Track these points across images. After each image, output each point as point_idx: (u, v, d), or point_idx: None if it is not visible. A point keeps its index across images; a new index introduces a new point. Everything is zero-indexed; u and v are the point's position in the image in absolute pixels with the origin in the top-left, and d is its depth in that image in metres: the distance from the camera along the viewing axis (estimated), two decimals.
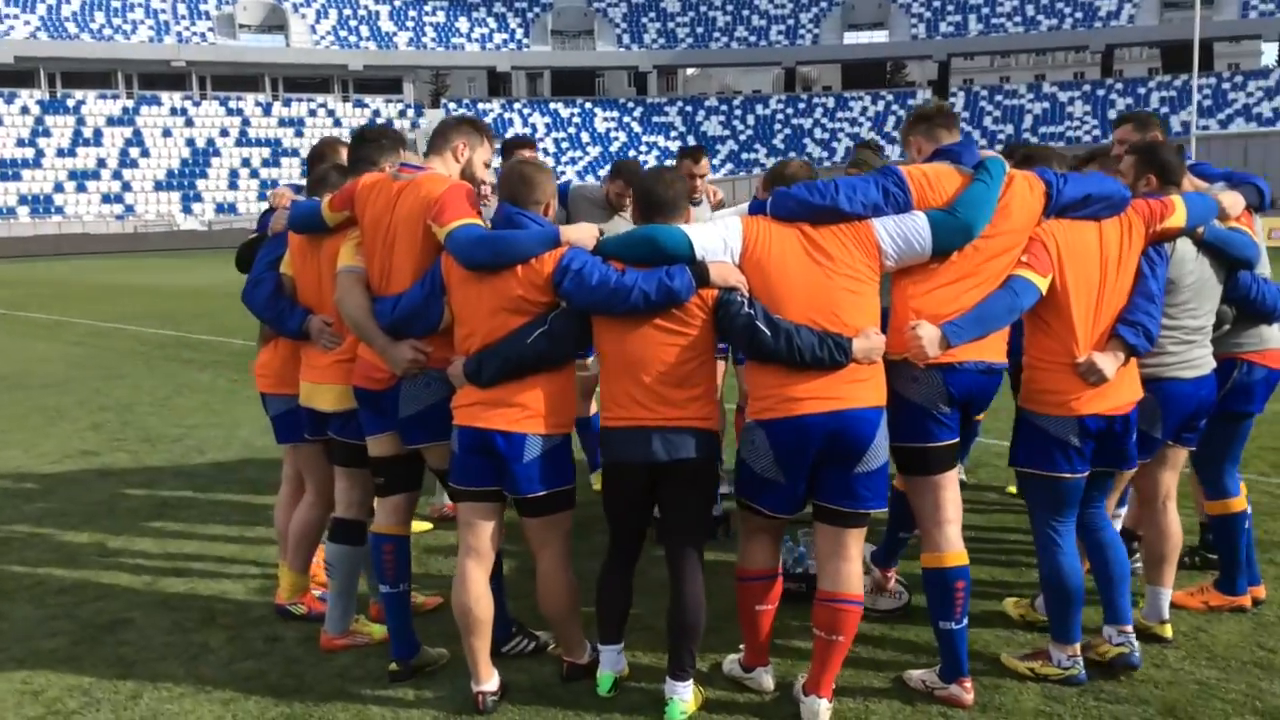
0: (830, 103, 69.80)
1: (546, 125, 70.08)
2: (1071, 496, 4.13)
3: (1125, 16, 64.81)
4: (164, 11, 68.32)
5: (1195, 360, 4.35)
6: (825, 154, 64.38)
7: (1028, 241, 4.01)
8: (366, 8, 72.63)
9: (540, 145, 67.77)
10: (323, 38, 70.23)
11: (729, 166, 65.07)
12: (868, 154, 6.98)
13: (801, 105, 70.22)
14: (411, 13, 73.01)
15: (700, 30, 73.08)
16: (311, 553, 5.16)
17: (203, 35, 68.15)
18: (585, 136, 69.54)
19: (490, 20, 73.70)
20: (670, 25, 73.65)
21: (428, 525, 6.54)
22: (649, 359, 3.86)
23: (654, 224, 3.97)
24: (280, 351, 4.99)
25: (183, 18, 68.52)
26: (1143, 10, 64.55)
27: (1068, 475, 4.08)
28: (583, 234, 4.00)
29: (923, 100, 66.69)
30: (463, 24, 73.05)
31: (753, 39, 72.01)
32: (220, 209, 61.54)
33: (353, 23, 71.61)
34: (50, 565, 5.99)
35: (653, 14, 74.41)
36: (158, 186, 61.66)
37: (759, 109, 70.44)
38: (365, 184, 4.40)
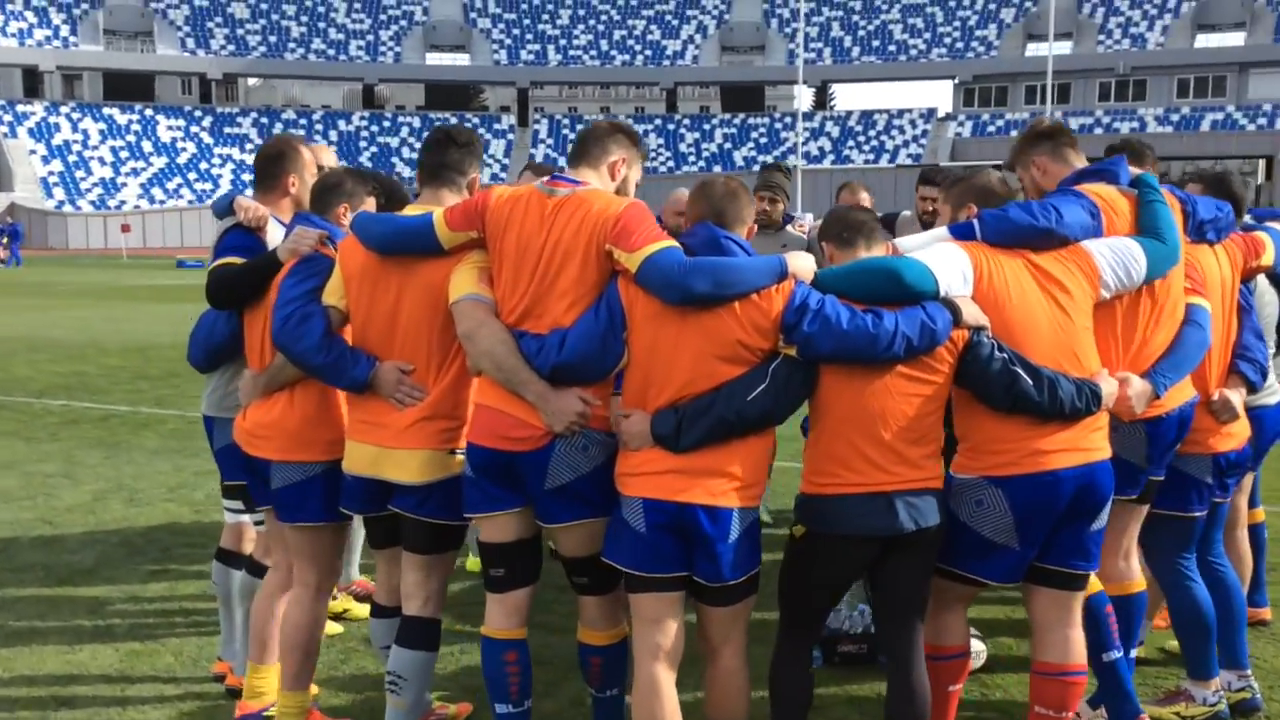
0: (416, 122, 69.04)
1: (101, 132, 63.64)
2: (1198, 533, 4.10)
3: (689, 57, 69.45)
4: None
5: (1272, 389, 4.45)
6: (415, 173, 63.51)
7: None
8: None
9: (95, 154, 61.56)
10: None
11: None
12: (778, 176, 6.74)
13: (386, 123, 68.92)
14: None
15: (273, 39, 69.63)
16: (314, 662, 4.10)
17: None
18: (148, 146, 63.95)
19: (29, 14, 65.92)
20: (239, 32, 69.54)
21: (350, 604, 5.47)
22: (890, 413, 3.33)
23: (870, 255, 3.46)
24: (301, 406, 3.94)
25: None
26: (704, 52, 69.47)
27: (1200, 514, 4.04)
28: (805, 264, 3.39)
29: (508, 125, 67.81)
30: None
31: (331, 52, 69.74)
32: None
33: None
34: None
35: (219, 19, 69.89)
36: None
37: (341, 124, 68.29)
38: (504, 198, 3.55)
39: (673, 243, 3.34)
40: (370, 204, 4.22)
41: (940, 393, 3.38)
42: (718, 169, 62.67)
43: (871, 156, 59.66)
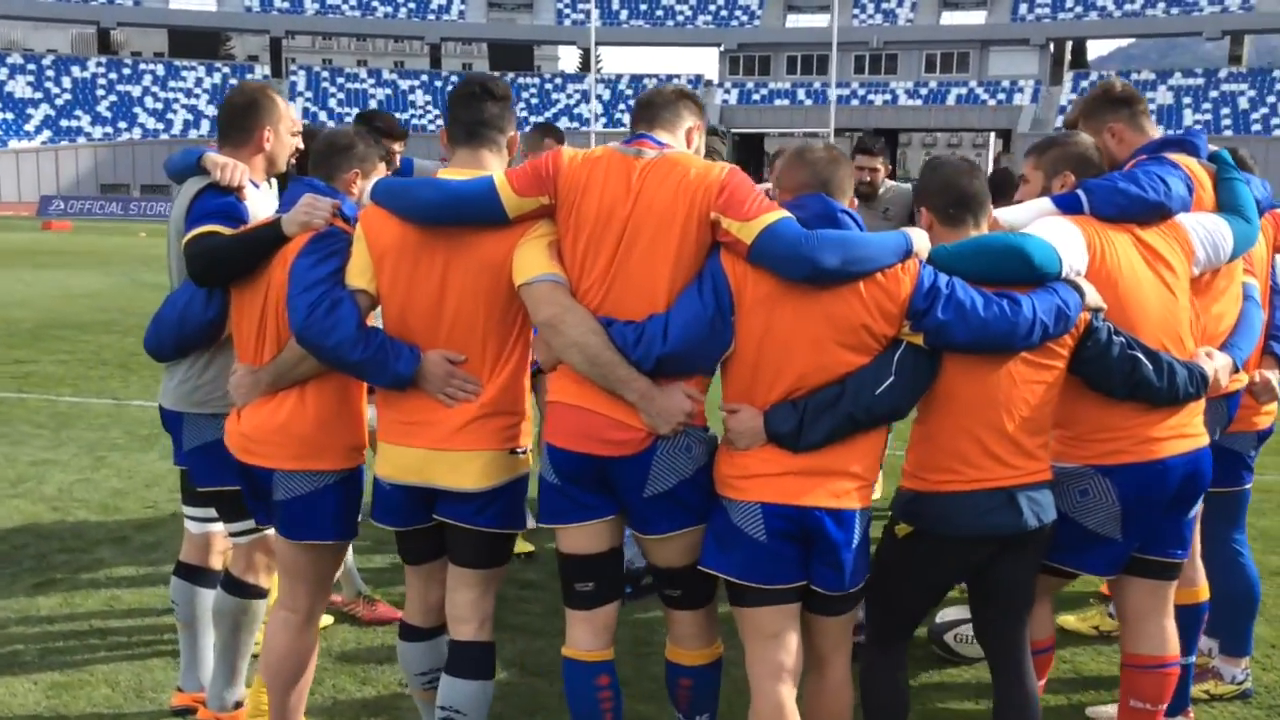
0: (160, 70, 64.40)
1: None
2: (1247, 505, 4.19)
3: (455, 12, 67.74)
4: None
5: None
6: (161, 126, 59.43)
7: None
8: None
9: None
10: None
11: (46, 134, 57.40)
12: (714, 140, 6.48)
13: (126, 71, 63.96)
14: None
15: None
16: (304, 695, 3.64)
17: None
18: None
19: None
20: None
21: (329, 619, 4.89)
22: (1014, 402, 3.13)
23: (983, 232, 3.24)
24: (316, 407, 3.42)
25: None
26: (471, 8, 67.92)
27: (1249, 485, 4.13)
28: (925, 241, 3.12)
29: (262, 75, 64.28)
30: None
31: None
32: None
33: None
34: None
35: None
36: None
37: (75, 70, 62.88)
38: (578, 159, 3.13)
39: (788, 213, 3.02)
40: (382, 170, 3.69)
41: (1059, 379, 3.22)
42: None
43: None
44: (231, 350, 3.77)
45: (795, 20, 63.82)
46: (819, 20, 62.77)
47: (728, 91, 62.70)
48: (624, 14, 65.86)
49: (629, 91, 62.77)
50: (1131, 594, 3.50)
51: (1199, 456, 3.38)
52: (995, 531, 3.15)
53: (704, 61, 74.51)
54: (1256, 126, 50.13)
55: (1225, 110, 51.38)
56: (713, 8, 64.76)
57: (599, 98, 63.64)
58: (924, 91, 59.25)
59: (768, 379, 3.04)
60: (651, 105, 3.31)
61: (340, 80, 66.19)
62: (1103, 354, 3.20)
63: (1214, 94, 52.88)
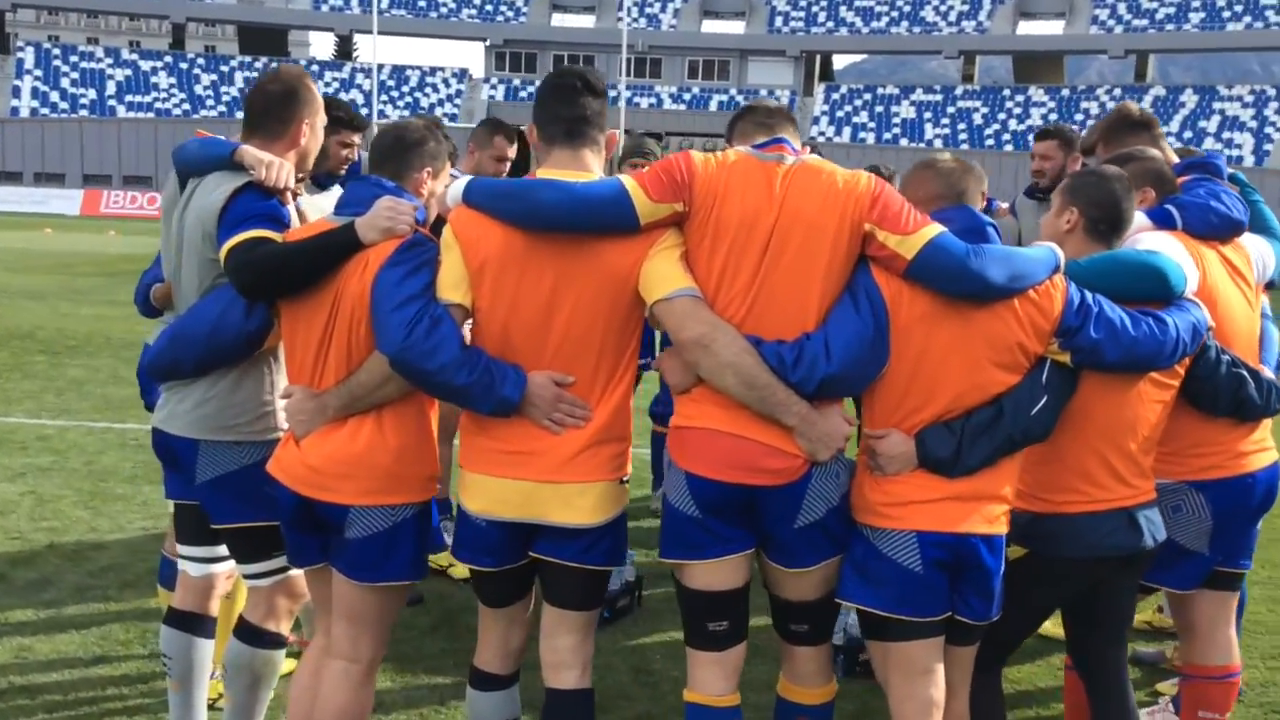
0: None
1: None
2: None
3: None
4: None
5: None
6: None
7: None
8: None
9: None
10: None
11: None
12: (651, 143, 6.32)
13: None
14: None
15: None
16: None
17: None
18: None
19: None
20: None
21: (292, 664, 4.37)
22: (1139, 422, 3.13)
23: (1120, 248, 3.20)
24: (397, 435, 3.07)
25: None
26: None
27: None
28: (1063, 255, 3.05)
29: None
30: None
31: None
32: None
33: None
34: None
35: None
36: None
37: None
38: (714, 163, 2.89)
39: (943, 227, 2.89)
40: (448, 169, 3.34)
41: (1174, 398, 3.23)
42: (241, 114, 58.49)
43: (406, 113, 58.58)
44: (262, 368, 3.33)
45: (561, 19, 63.88)
46: (584, 20, 63.12)
47: (494, 88, 62.14)
48: (384, 2, 64.15)
49: (391, 82, 61.18)
50: (1204, 606, 3.56)
51: (1277, 469, 3.48)
52: (1117, 552, 3.14)
53: (470, 56, 73.48)
54: (989, 141, 53.87)
55: (962, 125, 55.00)
56: (478, 1, 63.99)
57: (359, 87, 61.79)
58: (687, 96, 60.54)
59: (918, 400, 2.91)
60: (773, 113, 3.12)
61: (74, 59, 61.37)
62: (1213, 372, 3.24)
63: (951, 110, 56.51)
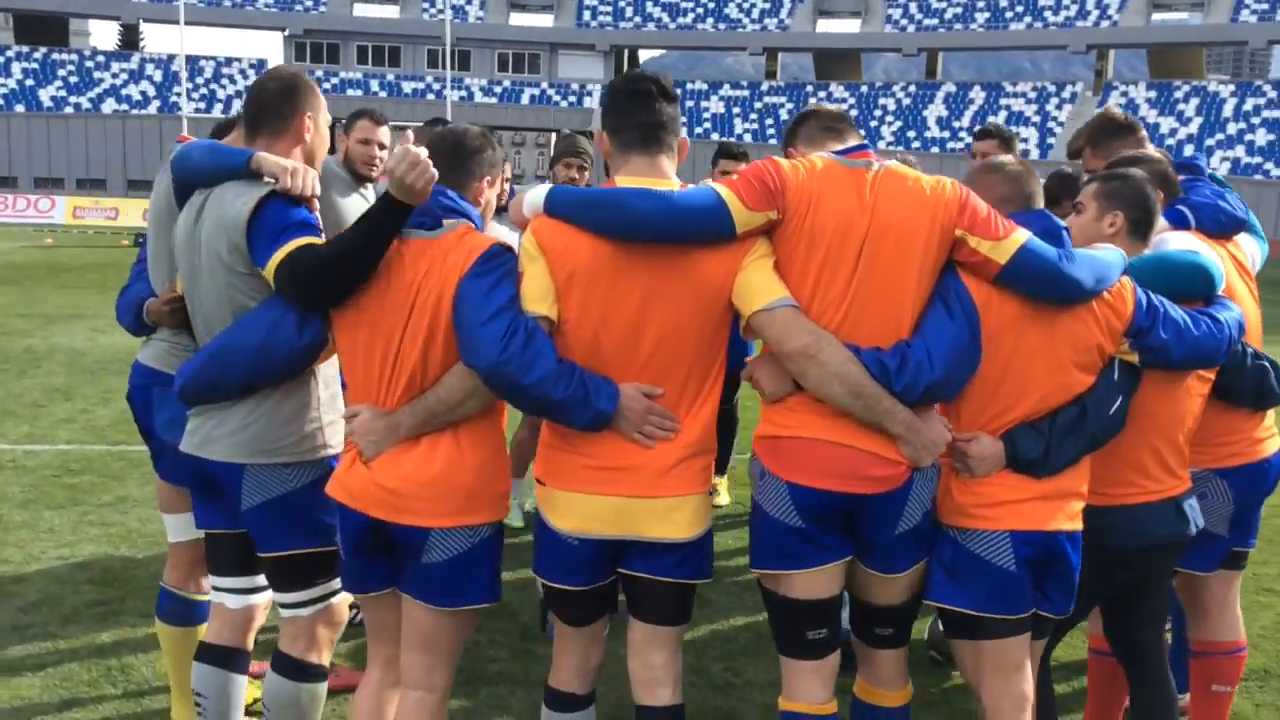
0: None
1: None
2: None
3: None
4: None
5: None
6: None
7: None
8: None
9: None
10: None
11: None
12: (585, 141, 6.29)
13: None
14: None
15: None
16: None
17: None
18: None
19: None
20: None
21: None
22: (1188, 414, 3.32)
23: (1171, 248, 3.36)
24: (475, 453, 2.99)
25: None
26: None
27: None
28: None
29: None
30: None
31: None
32: None
33: None
34: None
35: None
36: None
37: None
38: (802, 169, 2.90)
39: (1029, 232, 2.97)
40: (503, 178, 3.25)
41: (1209, 390, 3.42)
42: (20, 108, 54.86)
43: (202, 105, 55.98)
44: (309, 383, 3.18)
45: (363, 9, 62.30)
46: (388, 10, 61.76)
47: None
48: None
49: (183, 73, 58.33)
50: (1214, 585, 3.79)
51: None
52: (1167, 540, 3.32)
53: (269, 46, 70.65)
54: None
55: (769, 120, 56.43)
56: None
57: (149, 79, 58.74)
58: (498, 90, 60.02)
59: (1005, 403, 3.00)
60: (840, 117, 3.18)
61: None
62: (1241, 365, 3.46)
63: (759, 105, 57.94)
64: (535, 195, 2.96)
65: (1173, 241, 3.46)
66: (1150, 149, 4.04)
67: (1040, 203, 3.14)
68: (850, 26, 60.42)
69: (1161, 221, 3.57)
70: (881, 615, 3.12)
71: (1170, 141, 49.52)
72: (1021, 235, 2.91)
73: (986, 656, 3.05)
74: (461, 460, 2.94)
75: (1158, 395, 3.22)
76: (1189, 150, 48.01)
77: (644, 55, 68.41)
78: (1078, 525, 3.08)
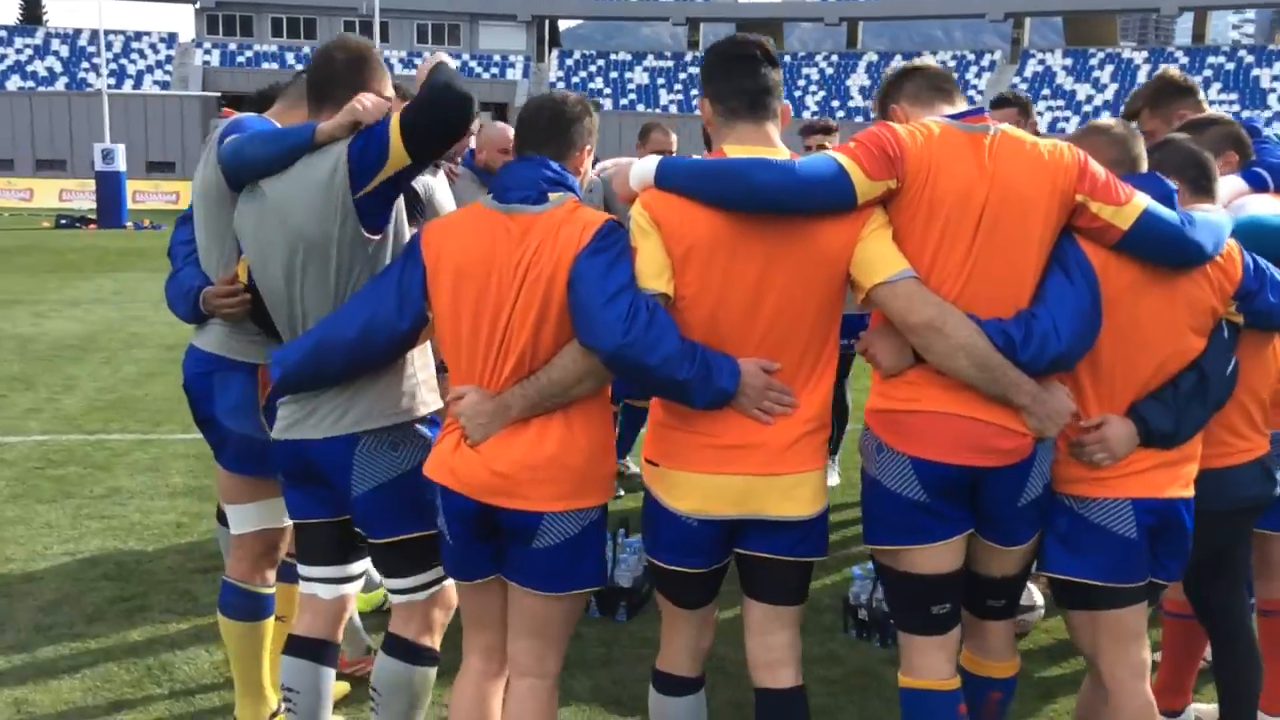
0: None
1: None
2: None
3: None
4: None
5: None
6: None
7: None
8: None
9: None
10: None
11: None
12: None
13: None
14: None
15: None
16: None
17: None
18: None
19: None
20: None
21: (345, 687, 4.02)
22: (1271, 374, 3.35)
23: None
24: (587, 434, 2.91)
25: None
26: None
27: None
28: None
29: None
30: None
31: None
32: None
33: None
34: None
35: None
36: None
37: None
38: (920, 135, 2.82)
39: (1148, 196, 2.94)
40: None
41: None
42: None
43: (113, 81, 54.22)
44: (397, 365, 3.08)
45: None
46: None
47: (208, 52, 58.48)
48: None
49: (91, 49, 56.46)
50: (1270, 548, 3.81)
51: None
52: (1255, 502, 3.35)
53: (179, 19, 68.78)
54: None
55: (695, 92, 56.24)
56: None
57: (56, 54, 56.81)
58: (418, 62, 58.85)
59: (1126, 373, 2.98)
60: (946, 77, 3.09)
61: None
62: None
63: (683, 76, 57.83)
64: (644, 167, 2.86)
65: (1253, 205, 3.47)
66: (1207, 110, 4.06)
67: (1145, 165, 3.12)
68: None
69: (1240, 184, 3.59)
70: (995, 587, 3.10)
71: (1087, 109, 50.58)
72: (1142, 200, 2.88)
73: (1105, 626, 3.05)
74: (573, 442, 2.86)
75: (1252, 357, 3.23)
76: (1106, 117, 49.61)
77: (562, 25, 67.76)
78: (1191, 491, 3.08)
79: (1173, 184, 3.04)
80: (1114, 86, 51.79)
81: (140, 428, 8.13)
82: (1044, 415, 2.85)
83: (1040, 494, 2.96)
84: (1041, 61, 54.90)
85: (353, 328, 2.96)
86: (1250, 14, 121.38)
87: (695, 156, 3.07)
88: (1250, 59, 50.98)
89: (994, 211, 2.80)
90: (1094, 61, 53.72)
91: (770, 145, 2.87)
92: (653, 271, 2.78)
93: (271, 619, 3.67)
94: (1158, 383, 3.00)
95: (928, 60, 3.25)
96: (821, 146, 6.24)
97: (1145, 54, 54.25)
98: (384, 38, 59.67)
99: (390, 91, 3.23)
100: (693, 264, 2.78)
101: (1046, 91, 52.89)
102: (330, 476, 3.09)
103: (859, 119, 51.29)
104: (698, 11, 59.81)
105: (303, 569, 3.28)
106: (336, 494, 3.13)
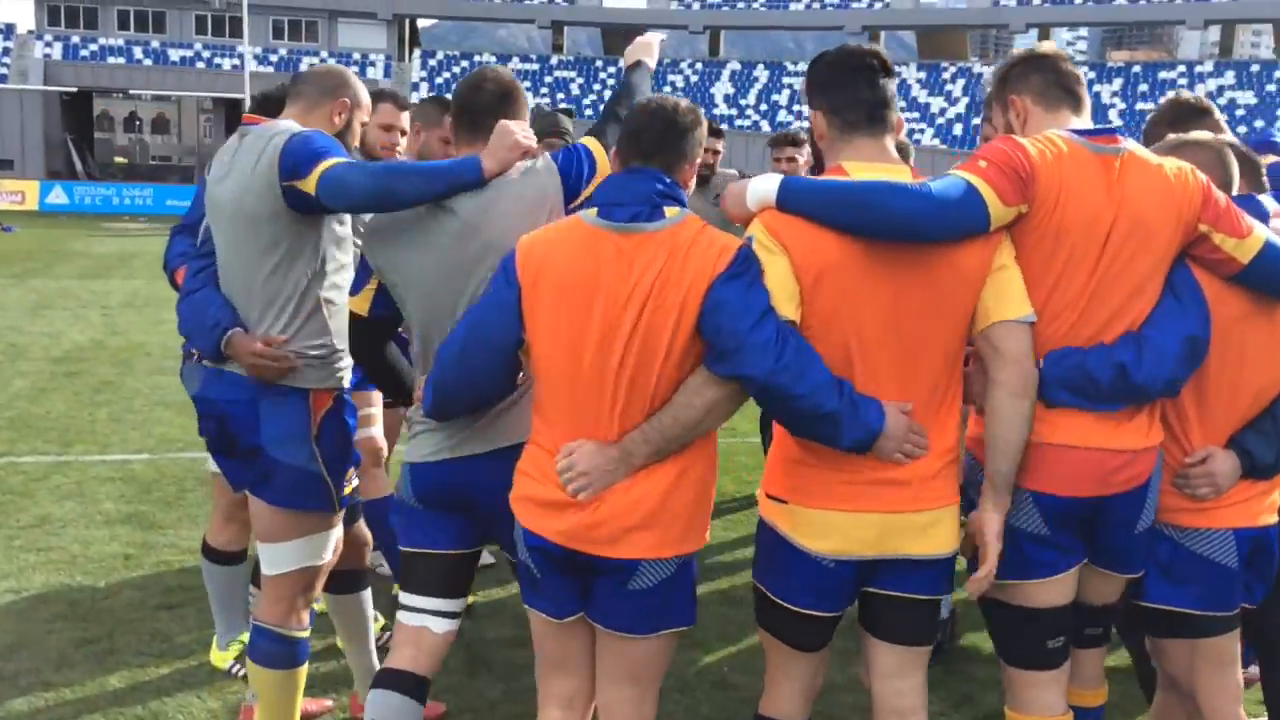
0: None
1: None
2: None
3: None
4: None
5: None
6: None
7: None
8: None
9: None
10: None
11: None
12: (566, 120, 5.99)
13: None
14: None
15: None
16: None
17: None
18: None
19: None
20: None
21: None
22: None
23: None
24: (695, 478, 2.77)
25: None
26: None
27: None
28: None
29: None
30: None
31: None
32: None
33: None
34: None
35: None
36: None
37: None
38: (1049, 156, 2.72)
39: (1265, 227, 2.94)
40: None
41: None
42: None
43: None
44: None
45: None
46: None
47: (49, 45, 55.51)
48: None
49: None
50: None
51: None
52: None
53: (17, 9, 65.45)
54: (589, 111, 55.51)
55: (560, 94, 56.14)
56: None
57: None
58: (274, 59, 57.26)
59: (1227, 403, 2.98)
60: (1078, 78, 2.94)
61: None
62: None
63: (549, 79, 57.54)
64: (763, 186, 2.71)
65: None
66: (1225, 130, 4.13)
67: (1237, 186, 3.11)
68: (637, 2, 60.75)
69: (1275, 204, 3.64)
70: (1095, 614, 3.07)
71: (940, 120, 52.20)
72: (1263, 232, 2.85)
73: (1205, 654, 3.05)
74: (680, 488, 2.71)
75: None
76: (958, 129, 51.35)
77: (421, 25, 66.57)
78: (1275, 517, 3.10)
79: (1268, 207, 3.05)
80: (965, 99, 53.56)
81: (52, 449, 7.57)
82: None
83: (1152, 520, 2.93)
84: (897, 74, 56.43)
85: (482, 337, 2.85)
86: (1083, 31, 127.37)
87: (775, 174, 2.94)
88: (1092, 74, 53.42)
89: (1119, 240, 2.74)
90: (946, 75, 55.49)
91: (890, 161, 2.76)
92: (784, 297, 2.63)
93: (306, 665, 3.41)
94: (1255, 411, 3.01)
95: (1055, 47, 3.07)
96: (791, 160, 6.18)
97: (992, 68, 56.26)
98: (236, 33, 57.85)
99: (526, 117, 3.17)
100: (824, 290, 2.64)
101: (902, 104, 54.28)
102: (479, 499, 3.01)
103: (724, 125, 51.84)
104: (562, 15, 59.60)
105: (416, 599, 3.09)
106: (479, 519, 3.03)
